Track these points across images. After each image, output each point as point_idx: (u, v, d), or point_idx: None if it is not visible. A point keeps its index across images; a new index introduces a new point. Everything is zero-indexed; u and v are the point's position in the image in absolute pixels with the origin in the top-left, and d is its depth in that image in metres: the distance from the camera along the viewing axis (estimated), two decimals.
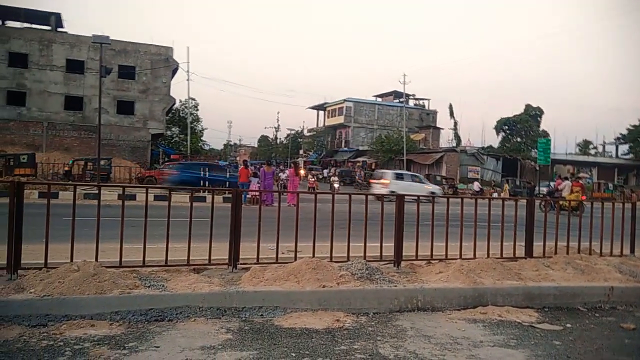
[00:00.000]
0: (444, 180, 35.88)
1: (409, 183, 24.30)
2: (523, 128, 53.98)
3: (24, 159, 25.14)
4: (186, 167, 23.67)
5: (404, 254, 6.02)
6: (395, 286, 4.93)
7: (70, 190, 15.95)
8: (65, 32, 38.31)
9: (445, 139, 58.17)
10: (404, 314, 4.72)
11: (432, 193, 20.07)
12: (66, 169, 27.62)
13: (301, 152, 71.36)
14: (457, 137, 55.87)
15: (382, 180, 24.64)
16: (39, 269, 4.61)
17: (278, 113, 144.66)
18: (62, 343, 3.55)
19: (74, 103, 36.96)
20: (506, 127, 55.03)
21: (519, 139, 54.18)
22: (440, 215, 6.35)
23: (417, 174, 29.12)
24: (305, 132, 76.53)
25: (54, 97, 36.46)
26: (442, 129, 60.40)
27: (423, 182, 26.00)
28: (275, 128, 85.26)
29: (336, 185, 28.08)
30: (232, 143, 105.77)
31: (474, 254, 6.31)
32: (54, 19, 37.85)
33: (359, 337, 4.00)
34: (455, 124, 56.62)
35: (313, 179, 26.51)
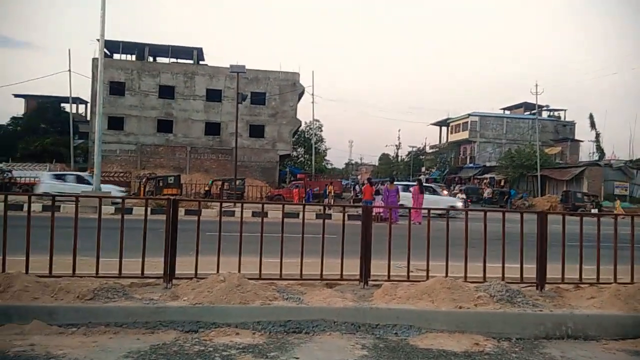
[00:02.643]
0: (585, 197, 32.54)
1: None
2: None
3: (171, 180, 28.04)
4: None
5: (547, 276, 5.55)
6: (541, 310, 4.55)
7: (212, 207, 17.45)
8: (206, 65, 42.37)
9: (586, 153, 53.08)
10: (551, 341, 4.32)
11: (452, 206, 17.35)
12: (206, 189, 30.23)
13: (423, 169, 70.00)
14: (600, 150, 50.61)
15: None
16: (189, 279, 5.06)
17: (399, 131, 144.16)
18: (211, 349, 3.82)
19: (212, 128, 40.62)
20: None
21: None
22: (589, 235, 5.76)
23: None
24: (427, 149, 75.04)
25: (196, 123, 40.40)
26: (582, 141, 55.24)
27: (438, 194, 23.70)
28: (397, 146, 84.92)
29: (459, 204, 26.55)
30: (353, 162, 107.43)
31: (632, 278, 5.61)
32: (196, 53, 42.11)
33: None
34: (597, 135, 51.42)
35: None
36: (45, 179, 22.49)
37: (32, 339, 3.83)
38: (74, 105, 49.06)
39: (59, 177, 22.76)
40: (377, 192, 21.70)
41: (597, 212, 25.42)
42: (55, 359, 3.47)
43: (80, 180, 22.16)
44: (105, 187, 21.28)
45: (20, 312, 4.14)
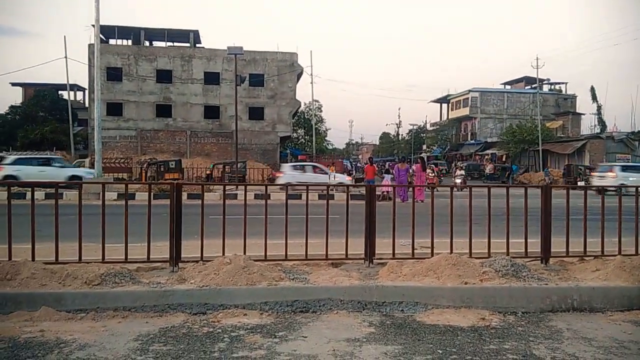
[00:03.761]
0: (587, 170, 32.49)
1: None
2: None
3: (172, 164, 27.98)
4: None
5: (552, 250, 5.56)
6: (546, 284, 4.57)
7: (213, 191, 17.48)
8: (203, 47, 41.91)
9: (587, 126, 52.88)
10: (557, 314, 4.35)
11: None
12: (207, 172, 30.22)
13: (424, 147, 69.80)
14: (602, 123, 50.31)
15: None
16: (195, 262, 5.08)
17: (399, 109, 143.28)
18: (220, 330, 3.85)
19: (211, 112, 40.36)
20: None
21: None
22: (593, 208, 5.76)
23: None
24: (428, 126, 74.72)
25: (195, 107, 40.14)
26: (583, 114, 54.86)
27: None
28: (397, 124, 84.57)
29: (458, 181, 26.40)
30: (354, 142, 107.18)
31: (636, 250, 5.63)
32: (193, 36, 41.62)
33: (509, 336, 3.77)
34: (599, 108, 51.03)
35: (433, 175, 25.45)
36: (286, 170, 24.00)
37: (42, 325, 3.86)
38: (72, 92, 48.76)
39: (297, 168, 24.31)
40: (381, 172, 21.67)
41: (583, 184, 25.33)
42: (66, 344, 3.49)
43: (316, 170, 23.69)
44: (338, 176, 23.77)
45: (28, 299, 4.17)
